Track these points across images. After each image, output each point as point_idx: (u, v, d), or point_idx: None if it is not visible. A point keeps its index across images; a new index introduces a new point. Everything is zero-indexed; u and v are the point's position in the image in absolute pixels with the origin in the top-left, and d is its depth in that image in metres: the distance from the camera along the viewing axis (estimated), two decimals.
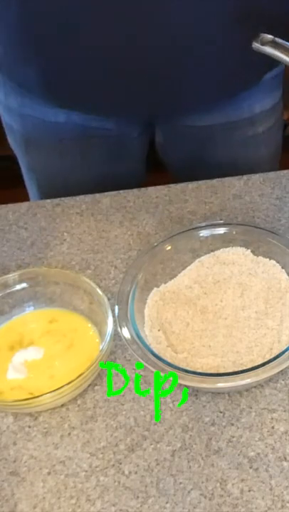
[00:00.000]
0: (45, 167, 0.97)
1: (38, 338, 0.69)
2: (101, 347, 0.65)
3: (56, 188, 0.89)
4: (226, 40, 0.76)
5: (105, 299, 0.67)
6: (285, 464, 0.61)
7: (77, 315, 0.70)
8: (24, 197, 1.04)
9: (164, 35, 0.74)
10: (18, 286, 0.71)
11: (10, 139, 0.99)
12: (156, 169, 1.03)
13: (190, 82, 0.81)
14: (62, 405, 0.66)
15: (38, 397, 0.62)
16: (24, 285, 0.71)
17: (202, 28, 0.75)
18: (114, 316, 0.66)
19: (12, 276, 0.71)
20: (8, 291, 0.71)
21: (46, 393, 0.62)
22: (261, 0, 0.74)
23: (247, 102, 0.91)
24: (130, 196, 0.86)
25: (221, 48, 0.77)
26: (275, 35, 0.65)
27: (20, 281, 0.71)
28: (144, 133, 0.96)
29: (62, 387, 0.62)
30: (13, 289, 0.71)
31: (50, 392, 0.62)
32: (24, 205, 0.87)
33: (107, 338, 0.65)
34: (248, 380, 0.61)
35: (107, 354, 0.66)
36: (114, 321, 0.66)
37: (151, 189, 0.87)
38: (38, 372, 0.67)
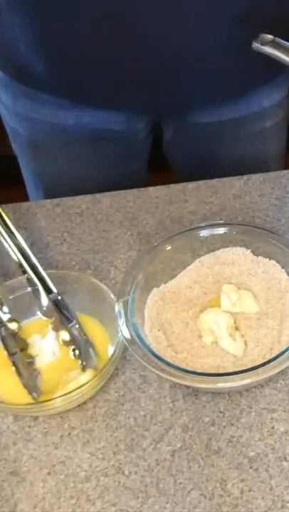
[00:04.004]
0: (53, 171, 0.97)
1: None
2: (112, 351, 0.64)
3: (63, 192, 0.89)
4: (227, 40, 0.76)
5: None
6: (285, 463, 0.61)
7: (85, 315, 0.70)
8: (24, 197, 1.04)
9: (173, 33, 0.74)
10: (29, 289, 0.70)
11: (15, 145, 0.99)
12: (157, 168, 1.03)
13: (190, 80, 0.81)
14: None
15: (48, 401, 0.62)
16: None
17: (212, 26, 0.75)
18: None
19: (20, 279, 0.71)
20: (17, 294, 0.70)
21: (56, 397, 0.62)
22: (262, 0, 0.74)
23: (256, 96, 0.91)
24: (130, 196, 0.86)
25: (223, 47, 0.77)
26: (276, 35, 0.65)
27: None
28: (151, 132, 0.96)
29: (73, 390, 0.62)
30: (22, 293, 0.71)
31: (61, 396, 0.62)
32: (24, 205, 0.87)
33: (119, 341, 0.64)
34: (248, 380, 0.61)
35: (118, 357, 0.65)
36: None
37: (151, 189, 0.86)
38: (52, 374, 0.67)
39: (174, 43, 0.76)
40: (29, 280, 0.68)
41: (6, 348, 0.67)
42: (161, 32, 0.74)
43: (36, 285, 0.67)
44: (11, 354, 0.67)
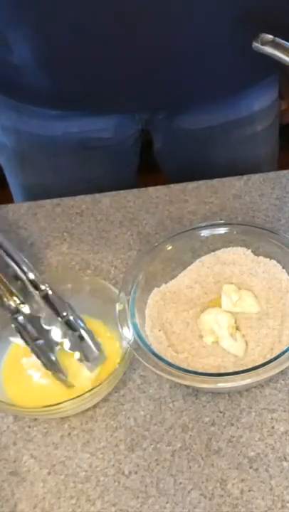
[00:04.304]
0: (41, 183, 0.97)
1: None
2: (121, 355, 0.64)
3: None
4: (226, 40, 0.76)
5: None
6: (285, 464, 0.61)
7: (90, 318, 0.70)
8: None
9: (163, 35, 0.74)
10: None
11: (1, 158, 0.98)
12: (148, 171, 1.03)
13: (189, 80, 0.81)
14: None
15: (59, 404, 0.61)
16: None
17: (203, 28, 0.75)
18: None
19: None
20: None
21: (66, 401, 0.62)
22: (262, 0, 0.74)
23: (245, 100, 0.91)
24: (130, 196, 0.86)
25: (223, 47, 0.77)
26: (276, 35, 0.65)
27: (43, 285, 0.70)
28: (140, 139, 0.96)
29: (83, 393, 0.62)
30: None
31: (71, 399, 0.62)
32: (24, 205, 0.87)
33: (127, 345, 0.64)
34: (249, 380, 0.61)
35: (129, 360, 0.65)
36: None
37: (151, 189, 0.87)
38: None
39: (166, 43, 0.75)
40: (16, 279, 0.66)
41: (26, 336, 0.65)
42: (154, 32, 0.74)
43: (23, 280, 0.65)
44: (33, 340, 0.64)
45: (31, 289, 0.65)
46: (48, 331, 0.64)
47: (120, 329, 0.65)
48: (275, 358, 0.62)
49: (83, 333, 0.64)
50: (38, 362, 0.66)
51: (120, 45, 0.75)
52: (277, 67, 0.78)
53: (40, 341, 0.64)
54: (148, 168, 1.03)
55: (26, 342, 0.65)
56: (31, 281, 0.65)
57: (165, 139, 0.96)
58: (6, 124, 0.91)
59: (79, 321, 0.65)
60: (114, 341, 0.68)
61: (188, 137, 0.94)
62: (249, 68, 0.81)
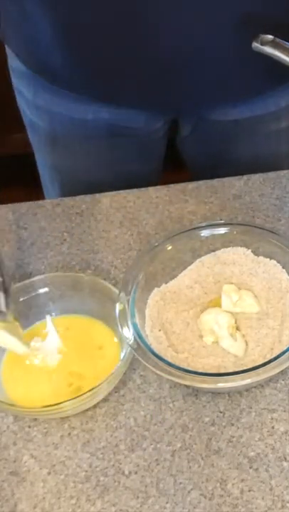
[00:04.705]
0: (70, 165, 0.97)
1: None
2: (122, 355, 0.64)
3: (79, 187, 0.89)
4: (246, 40, 0.76)
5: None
6: (285, 464, 0.61)
7: (90, 318, 0.70)
8: (23, 196, 1.04)
9: (188, 32, 0.75)
10: (41, 291, 0.71)
11: (33, 138, 0.99)
12: (171, 168, 1.03)
13: (213, 76, 0.81)
14: None
15: (59, 404, 0.61)
16: (46, 289, 0.71)
17: (226, 26, 0.75)
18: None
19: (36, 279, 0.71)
20: (33, 294, 0.70)
21: (65, 401, 0.62)
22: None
23: (273, 96, 0.91)
24: (130, 196, 0.86)
25: (243, 47, 0.77)
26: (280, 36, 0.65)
27: (44, 286, 0.71)
28: (168, 131, 0.96)
29: (84, 393, 0.62)
30: (35, 294, 0.70)
31: (71, 399, 0.62)
32: (24, 205, 0.87)
33: (128, 345, 0.64)
34: (249, 380, 0.61)
35: (129, 360, 0.65)
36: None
37: (151, 189, 0.86)
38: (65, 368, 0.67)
39: (189, 42, 0.76)
40: None
41: None
42: (175, 31, 0.75)
43: None
44: None
45: None
46: (35, 349, 0.67)
47: (120, 329, 0.65)
48: (275, 358, 0.62)
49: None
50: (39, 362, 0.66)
51: (137, 44, 0.76)
52: None
53: None
54: (173, 166, 1.03)
55: None
56: None
57: (191, 127, 0.96)
58: (41, 104, 0.92)
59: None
60: (114, 341, 0.68)
61: (213, 128, 0.93)
62: (265, 70, 0.81)
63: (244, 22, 0.74)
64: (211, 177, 0.87)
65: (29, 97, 0.92)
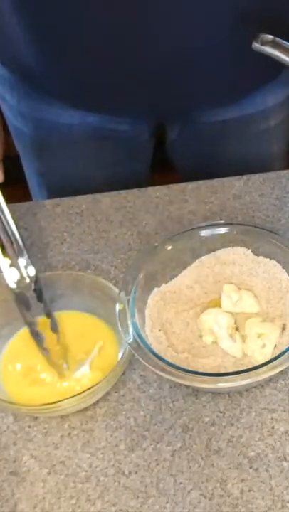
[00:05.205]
0: (57, 170, 0.97)
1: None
2: (120, 354, 0.65)
3: (67, 190, 0.89)
4: (237, 42, 0.76)
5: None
6: (285, 464, 0.61)
7: (90, 317, 0.70)
8: (24, 197, 1.04)
9: (175, 34, 0.74)
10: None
11: (18, 145, 0.99)
12: (160, 170, 1.03)
13: (202, 82, 0.81)
14: None
15: (58, 402, 0.61)
16: (46, 289, 0.70)
17: (211, 30, 0.75)
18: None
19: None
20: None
21: (64, 399, 0.62)
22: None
23: (261, 94, 0.91)
24: (130, 196, 0.86)
25: (234, 49, 0.77)
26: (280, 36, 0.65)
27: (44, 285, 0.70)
28: (155, 134, 0.96)
29: (82, 392, 0.62)
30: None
31: (70, 397, 0.62)
32: (24, 205, 0.87)
33: (127, 344, 0.64)
34: (249, 380, 0.61)
35: (127, 360, 0.65)
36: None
37: (151, 189, 0.86)
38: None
39: (176, 43, 0.75)
40: None
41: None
42: (162, 33, 0.74)
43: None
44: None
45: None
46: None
47: (120, 329, 0.65)
48: (275, 358, 0.62)
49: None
50: (37, 361, 0.66)
51: (121, 47, 0.75)
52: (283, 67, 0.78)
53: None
54: (162, 168, 1.03)
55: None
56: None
57: (180, 131, 0.96)
58: (25, 110, 0.91)
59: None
60: (113, 340, 0.68)
61: (202, 130, 0.93)
62: (253, 69, 0.81)
63: (234, 24, 0.74)
64: (201, 178, 0.87)
65: (13, 104, 0.91)
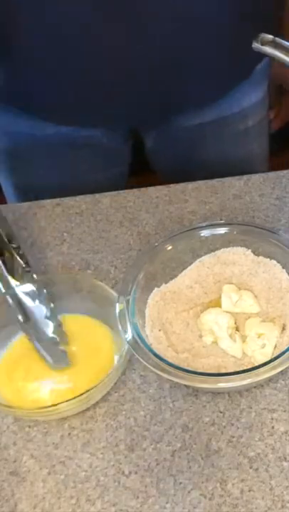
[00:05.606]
0: (33, 182, 0.97)
1: None
2: (117, 357, 0.64)
3: (44, 198, 0.89)
4: (214, 42, 0.76)
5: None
6: (285, 464, 0.61)
7: (88, 317, 0.70)
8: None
9: (150, 41, 0.74)
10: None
11: None
12: (141, 172, 1.03)
13: (178, 85, 0.81)
14: None
15: (56, 405, 0.61)
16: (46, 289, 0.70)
17: (189, 33, 0.75)
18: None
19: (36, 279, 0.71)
20: None
21: (61, 402, 0.61)
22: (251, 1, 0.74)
23: (236, 96, 0.91)
24: (130, 196, 0.86)
25: (209, 49, 0.77)
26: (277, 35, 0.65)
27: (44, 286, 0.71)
28: (131, 140, 0.96)
29: (80, 395, 0.62)
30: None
31: (67, 400, 0.61)
32: (24, 205, 0.87)
33: (125, 346, 0.64)
34: (249, 380, 0.61)
35: (125, 363, 0.65)
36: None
37: (151, 189, 0.86)
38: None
39: (165, 43, 0.75)
40: None
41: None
42: (138, 34, 0.74)
43: None
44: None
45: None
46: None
47: (120, 329, 0.65)
48: (275, 358, 0.62)
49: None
50: (37, 363, 0.67)
51: (105, 55, 0.75)
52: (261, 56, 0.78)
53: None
54: (142, 169, 1.03)
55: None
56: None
57: (157, 137, 0.96)
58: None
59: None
60: (112, 342, 0.68)
61: (179, 134, 0.94)
62: (238, 66, 0.81)
63: (235, 22, 0.74)
64: (181, 181, 0.87)
65: None
